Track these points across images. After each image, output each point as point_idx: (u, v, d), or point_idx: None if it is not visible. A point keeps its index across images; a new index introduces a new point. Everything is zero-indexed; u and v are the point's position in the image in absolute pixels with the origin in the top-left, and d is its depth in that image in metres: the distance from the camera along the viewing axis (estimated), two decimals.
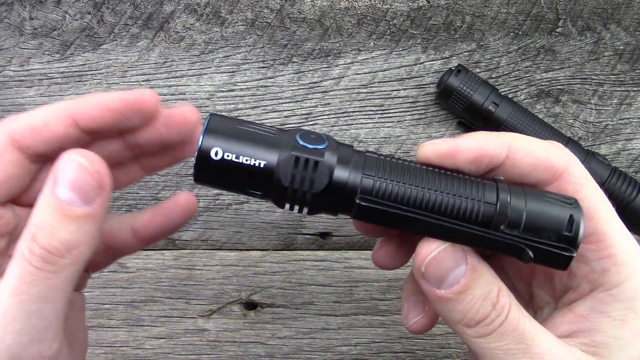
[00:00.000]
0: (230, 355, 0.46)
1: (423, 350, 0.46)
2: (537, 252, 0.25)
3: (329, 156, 0.26)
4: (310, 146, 0.26)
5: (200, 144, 0.26)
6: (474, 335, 0.26)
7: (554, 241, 0.25)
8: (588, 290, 0.27)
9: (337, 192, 0.26)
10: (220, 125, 0.26)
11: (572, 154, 0.28)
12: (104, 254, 0.32)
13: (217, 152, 0.26)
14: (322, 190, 0.26)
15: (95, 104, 0.27)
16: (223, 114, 0.27)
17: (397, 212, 0.26)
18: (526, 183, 0.28)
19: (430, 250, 0.26)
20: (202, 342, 0.46)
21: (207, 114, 0.27)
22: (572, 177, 0.27)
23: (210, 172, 0.26)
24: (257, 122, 0.28)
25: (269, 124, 0.28)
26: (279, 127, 0.27)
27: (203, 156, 0.26)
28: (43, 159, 0.28)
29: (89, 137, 0.28)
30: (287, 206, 0.27)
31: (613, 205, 0.28)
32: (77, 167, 0.24)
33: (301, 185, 0.26)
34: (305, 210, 0.27)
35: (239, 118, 0.28)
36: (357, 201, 0.26)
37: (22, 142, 0.27)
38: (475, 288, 0.25)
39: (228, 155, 0.26)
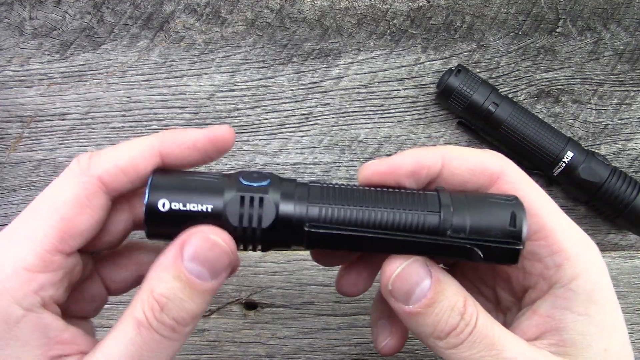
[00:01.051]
0: (230, 355, 0.46)
1: (423, 350, 0.46)
2: (486, 251, 0.26)
3: (273, 192, 0.27)
4: (254, 184, 0.27)
5: (146, 199, 0.26)
6: (445, 347, 0.26)
7: (500, 238, 0.26)
8: (547, 288, 0.28)
9: (285, 224, 0.27)
10: (164, 180, 0.27)
11: (507, 158, 0.29)
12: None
13: (164, 203, 0.26)
14: (271, 225, 0.26)
15: (183, 143, 0.28)
16: (167, 169, 0.28)
17: (346, 234, 0.26)
18: (468, 189, 0.29)
19: (395, 268, 0.26)
20: (202, 342, 0.46)
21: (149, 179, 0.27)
22: (509, 178, 0.28)
23: (161, 225, 0.26)
24: (200, 171, 0.28)
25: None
26: (222, 172, 0.28)
27: (151, 210, 0.26)
28: (121, 197, 0.28)
29: None
30: (241, 247, 0.27)
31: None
32: (211, 245, 0.26)
33: (250, 223, 0.26)
34: (259, 247, 0.28)
35: (184, 170, 0.28)
36: (307, 229, 0.26)
37: (110, 185, 0.27)
38: (441, 300, 0.26)
39: (175, 205, 0.26)
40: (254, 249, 0.28)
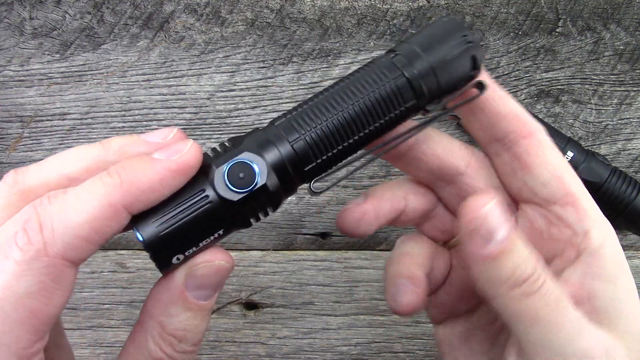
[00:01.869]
0: (230, 355, 0.46)
1: (423, 350, 0.46)
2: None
3: (266, 178, 0.25)
4: (243, 190, 0.24)
5: (161, 272, 0.25)
6: (519, 295, 0.25)
7: (465, 84, 0.28)
8: (575, 256, 0.28)
9: (284, 178, 0.25)
10: (158, 239, 0.24)
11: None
12: None
13: (178, 258, 0.25)
14: (268, 187, 0.25)
15: (147, 191, 0.24)
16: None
17: (341, 147, 0.26)
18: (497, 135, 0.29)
19: (483, 205, 0.25)
20: (202, 342, 0.46)
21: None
22: (538, 137, 0.29)
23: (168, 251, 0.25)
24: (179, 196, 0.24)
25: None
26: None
27: (167, 270, 0.25)
28: None
29: None
30: (253, 221, 0.26)
31: None
32: (216, 271, 0.25)
33: (257, 213, 0.26)
34: (270, 210, 0.26)
35: (161, 207, 0.24)
36: (306, 169, 0.26)
37: (77, 258, 0.23)
38: (519, 246, 0.25)
39: (188, 253, 0.25)
40: (266, 215, 0.26)
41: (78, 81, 0.46)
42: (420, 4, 0.47)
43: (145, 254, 0.24)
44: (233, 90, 0.47)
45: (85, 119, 0.46)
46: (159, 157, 0.24)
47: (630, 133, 0.48)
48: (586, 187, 0.44)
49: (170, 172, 0.23)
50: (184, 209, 0.24)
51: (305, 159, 0.25)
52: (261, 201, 0.25)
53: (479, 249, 0.25)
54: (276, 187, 0.25)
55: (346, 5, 0.47)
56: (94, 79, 0.46)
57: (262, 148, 0.25)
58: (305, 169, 0.26)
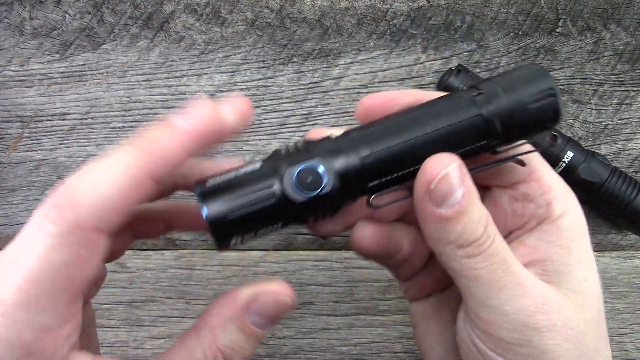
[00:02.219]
0: None
1: None
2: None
3: (331, 186, 0.26)
4: (312, 194, 0.26)
5: (216, 246, 0.26)
6: (463, 255, 0.26)
7: (537, 133, 0.27)
8: (535, 225, 0.29)
9: (347, 183, 0.26)
10: (223, 219, 0.26)
11: None
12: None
13: (235, 242, 0.27)
14: (332, 191, 0.26)
15: (171, 164, 0.25)
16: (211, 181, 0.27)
17: (405, 173, 0.27)
18: None
19: (443, 167, 0.26)
20: None
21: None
22: None
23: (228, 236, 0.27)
24: (244, 178, 0.26)
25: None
26: (264, 162, 0.27)
27: (224, 246, 0.27)
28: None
29: None
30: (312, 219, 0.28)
31: None
32: (280, 304, 0.27)
33: (321, 214, 0.27)
34: (329, 215, 0.28)
35: (225, 183, 0.26)
36: (369, 185, 0.27)
37: (108, 229, 0.24)
38: (472, 210, 0.26)
39: (247, 236, 0.27)
40: (324, 218, 0.28)
41: (78, 81, 0.46)
42: (420, 4, 0.47)
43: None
44: (233, 90, 0.47)
45: (85, 119, 0.46)
46: (178, 124, 0.24)
47: (630, 133, 0.48)
48: (586, 187, 0.44)
49: (189, 137, 0.24)
50: (251, 197, 0.25)
51: (372, 175, 0.27)
52: (322, 206, 0.26)
53: (433, 209, 0.26)
54: (339, 195, 0.26)
55: (346, 5, 0.47)
56: (94, 79, 0.46)
57: (333, 156, 0.26)
58: (369, 185, 0.27)
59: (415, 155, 0.26)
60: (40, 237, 0.23)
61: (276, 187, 0.26)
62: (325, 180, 0.26)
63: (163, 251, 0.46)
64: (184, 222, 0.33)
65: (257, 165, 0.27)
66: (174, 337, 0.46)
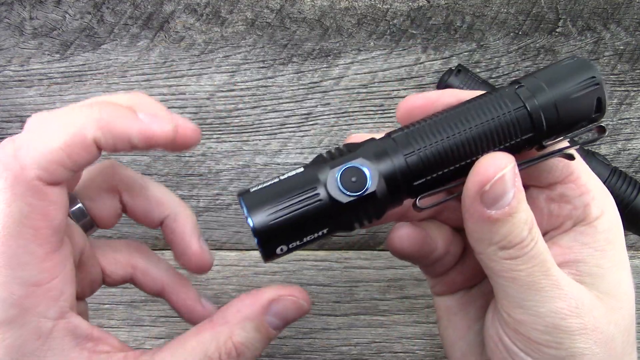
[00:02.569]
0: None
1: (423, 350, 0.46)
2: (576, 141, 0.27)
3: (376, 186, 0.26)
4: (356, 195, 0.25)
5: (263, 256, 0.27)
6: (505, 257, 0.26)
7: (586, 126, 0.27)
8: (570, 226, 0.29)
9: (393, 186, 0.26)
10: (267, 224, 0.26)
11: None
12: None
13: (281, 249, 0.27)
14: (380, 195, 0.26)
15: (119, 137, 0.26)
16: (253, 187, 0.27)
17: (450, 169, 0.26)
18: None
19: (500, 169, 0.25)
20: None
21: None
22: None
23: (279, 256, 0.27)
24: (288, 184, 0.26)
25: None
26: (305, 169, 0.27)
27: (270, 257, 0.28)
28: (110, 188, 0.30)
29: None
30: (357, 225, 0.27)
31: None
32: (298, 309, 0.29)
33: (365, 216, 0.27)
34: (375, 218, 0.27)
35: (270, 189, 0.26)
36: (415, 184, 0.26)
37: (52, 180, 0.25)
38: (520, 212, 0.26)
39: (292, 245, 0.27)
40: (371, 222, 0.28)
41: (78, 81, 0.46)
42: (420, 4, 0.47)
43: None
44: (233, 90, 0.47)
45: None
46: (142, 118, 0.26)
47: (630, 133, 0.48)
48: None
49: (142, 134, 0.25)
50: (296, 202, 0.25)
51: (417, 173, 0.26)
52: (367, 207, 0.26)
53: (482, 209, 0.26)
54: (384, 195, 0.26)
55: (346, 5, 0.47)
56: (94, 79, 0.46)
57: (376, 157, 0.26)
58: (415, 183, 0.26)
59: (460, 151, 0.26)
60: None
61: (320, 189, 0.25)
62: (369, 180, 0.25)
63: (163, 251, 0.46)
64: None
65: (300, 170, 0.26)
66: (174, 337, 0.46)
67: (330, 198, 0.25)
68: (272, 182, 0.26)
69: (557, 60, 0.28)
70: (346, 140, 0.30)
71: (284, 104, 0.47)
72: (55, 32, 0.46)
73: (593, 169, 0.43)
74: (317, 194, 0.25)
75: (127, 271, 0.33)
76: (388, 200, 0.26)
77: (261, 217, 0.25)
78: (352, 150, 0.26)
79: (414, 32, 0.47)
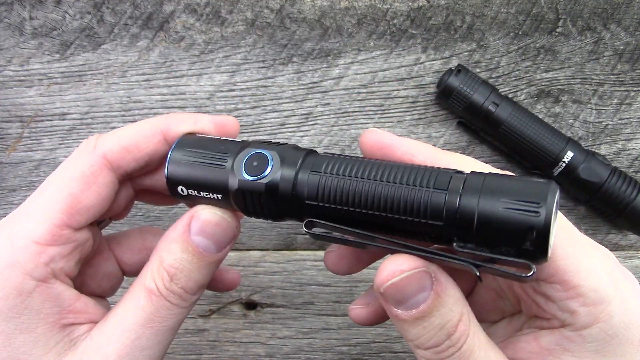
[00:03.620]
0: (230, 355, 0.46)
1: None
2: (489, 262, 0.23)
3: (271, 178, 0.27)
4: (253, 178, 0.27)
5: (169, 190, 0.29)
6: (422, 355, 0.25)
7: (512, 255, 0.22)
8: (558, 325, 0.26)
9: (287, 208, 0.27)
10: (179, 164, 0.28)
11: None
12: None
13: (182, 189, 0.28)
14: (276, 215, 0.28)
15: (185, 121, 0.30)
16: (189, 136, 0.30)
17: (341, 208, 0.26)
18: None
19: (394, 273, 0.24)
20: (202, 342, 0.46)
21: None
22: None
23: (182, 198, 0.29)
24: (215, 143, 0.29)
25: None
26: (238, 141, 0.29)
27: (173, 192, 0.29)
28: (129, 177, 0.30)
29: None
30: (253, 216, 0.29)
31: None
32: (218, 221, 0.28)
33: (254, 208, 0.28)
34: (270, 219, 0.29)
35: (200, 139, 0.30)
36: (307, 202, 0.26)
37: (115, 163, 0.28)
38: (433, 316, 0.24)
39: (191, 192, 0.28)
40: (266, 218, 0.29)
41: (78, 81, 0.46)
42: (420, 4, 0.47)
43: None
44: (233, 90, 0.47)
45: (85, 119, 0.46)
46: (202, 117, 0.30)
47: (630, 133, 0.48)
48: (586, 187, 0.44)
49: (209, 122, 0.30)
50: (206, 157, 0.28)
51: (312, 194, 0.26)
52: (259, 197, 0.27)
53: (389, 306, 0.25)
54: (273, 195, 0.27)
55: (346, 5, 0.47)
56: (94, 79, 0.46)
57: (288, 161, 0.27)
58: (307, 202, 0.26)
59: (363, 199, 0.25)
60: (70, 158, 0.29)
61: (229, 160, 0.27)
62: (268, 171, 0.27)
63: None
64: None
65: (223, 157, 0.28)
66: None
67: (231, 170, 0.27)
68: (212, 137, 0.30)
69: (530, 176, 0.26)
70: (365, 133, 0.30)
71: (284, 104, 0.47)
72: (55, 32, 0.46)
73: (593, 169, 0.44)
74: (224, 162, 0.28)
75: (142, 255, 0.33)
76: (276, 202, 0.27)
77: (177, 154, 0.28)
78: (276, 144, 0.28)
79: (414, 32, 0.47)
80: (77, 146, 0.29)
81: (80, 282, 0.31)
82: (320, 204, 0.26)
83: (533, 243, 0.21)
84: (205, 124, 0.30)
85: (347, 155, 0.27)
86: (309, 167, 0.26)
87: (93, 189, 0.28)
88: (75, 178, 0.27)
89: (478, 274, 0.23)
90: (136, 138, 0.29)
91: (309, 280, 0.46)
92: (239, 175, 0.27)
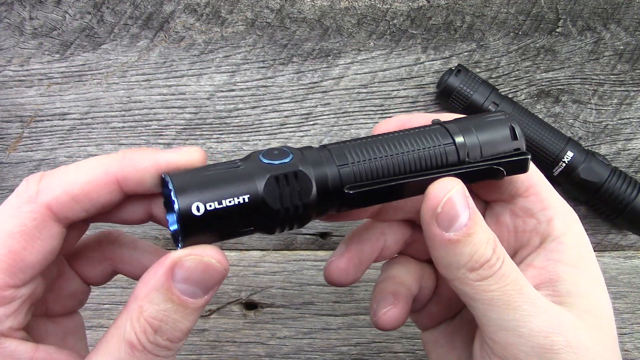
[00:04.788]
0: (230, 355, 0.46)
1: (423, 350, 0.46)
2: (505, 166, 0.28)
3: (302, 164, 0.26)
4: (279, 162, 0.25)
5: (177, 207, 0.23)
6: (476, 278, 0.26)
7: (508, 152, 0.29)
8: (539, 243, 0.29)
9: (324, 192, 0.26)
10: (185, 180, 0.24)
11: None
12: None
13: (198, 206, 0.24)
14: (313, 196, 0.26)
15: (141, 167, 0.25)
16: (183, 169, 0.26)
17: (381, 187, 0.27)
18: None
19: (448, 190, 0.26)
20: (202, 342, 0.46)
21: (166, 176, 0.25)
22: None
23: (198, 230, 0.24)
24: (211, 164, 0.26)
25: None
26: (233, 160, 0.27)
27: (186, 217, 0.23)
28: (77, 223, 0.27)
29: (126, 197, 0.26)
30: (278, 230, 0.26)
31: None
32: (205, 267, 0.24)
33: (291, 201, 0.25)
34: (296, 225, 0.27)
35: (193, 168, 0.26)
36: (346, 191, 0.26)
37: (61, 214, 0.25)
38: (479, 231, 0.26)
39: (210, 205, 0.24)
40: (291, 229, 0.27)
41: (78, 81, 0.46)
42: (420, 4, 0.47)
43: None
44: (233, 90, 0.47)
45: (85, 119, 0.46)
46: (163, 153, 0.26)
47: (630, 133, 0.48)
48: (586, 187, 0.44)
49: (166, 162, 0.25)
50: (215, 169, 0.25)
51: (347, 182, 0.27)
52: (297, 207, 0.26)
53: (441, 234, 0.26)
54: (314, 198, 0.26)
55: (346, 5, 0.47)
56: (94, 79, 0.46)
57: (313, 164, 0.26)
58: (346, 191, 0.27)
59: (391, 171, 0.27)
60: (3, 208, 0.25)
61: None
62: (290, 157, 0.26)
63: None
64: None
65: (233, 164, 0.26)
66: None
67: (253, 162, 0.25)
68: (204, 167, 0.26)
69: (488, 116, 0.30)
70: (376, 127, 0.31)
71: (284, 104, 0.47)
72: (55, 32, 0.46)
73: (593, 169, 0.44)
74: (238, 165, 0.25)
75: (104, 266, 0.31)
76: (318, 203, 0.26)
77: (179, 181, 0.24)
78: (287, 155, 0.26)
79: (414, 32, 0.47)
80: (24, 182, 0.25)
81: (44, 309, 0.29)
82: (358, 190, 0.27)
83: (515, 135, 0.29)
84: (163, 165, 0.25)
85: (353, 139, 0.28)
86: (332, 163, 0.27)
87: (37, 244, 0.24)
88: (16, 234, 0.24)
89: (504, 170, 0.28)
90: (85, 185, 0.25)
91: (309, 280, 0.46)
92: (265, 161, 0.25)
